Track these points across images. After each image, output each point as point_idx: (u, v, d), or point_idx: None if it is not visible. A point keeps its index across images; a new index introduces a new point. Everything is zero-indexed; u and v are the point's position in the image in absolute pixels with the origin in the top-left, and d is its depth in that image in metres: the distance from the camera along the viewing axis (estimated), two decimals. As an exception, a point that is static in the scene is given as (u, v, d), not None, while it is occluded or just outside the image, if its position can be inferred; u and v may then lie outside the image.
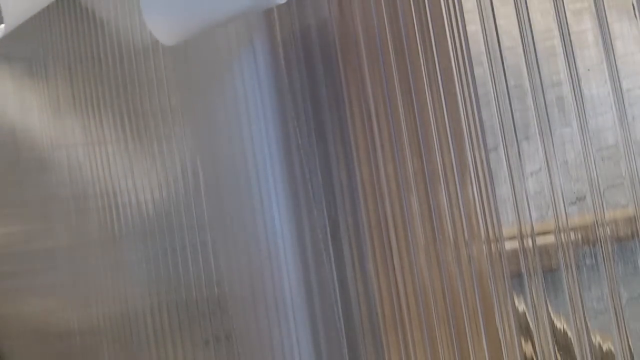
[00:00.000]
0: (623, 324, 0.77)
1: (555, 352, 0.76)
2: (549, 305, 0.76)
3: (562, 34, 0.82)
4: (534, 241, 0.77)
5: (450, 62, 0.79)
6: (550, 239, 0.78)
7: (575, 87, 0.81)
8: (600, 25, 0.83)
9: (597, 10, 0.83)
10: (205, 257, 0.99)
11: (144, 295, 1.15)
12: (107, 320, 1.26)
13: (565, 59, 0.82)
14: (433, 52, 0.79)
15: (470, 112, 0.78)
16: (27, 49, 1.41)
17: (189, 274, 1.03)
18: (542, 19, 0.81)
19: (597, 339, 0.77)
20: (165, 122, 1.04)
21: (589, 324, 0.77)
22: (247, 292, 0.94)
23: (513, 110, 0.79)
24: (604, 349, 0.77)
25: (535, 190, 0.79)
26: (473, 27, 0.79)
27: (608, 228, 0.79)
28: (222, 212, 0.96)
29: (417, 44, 0.79)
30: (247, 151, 0.89)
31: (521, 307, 0.76)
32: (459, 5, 0.79)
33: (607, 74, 0.83)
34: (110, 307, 1.25)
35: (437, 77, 0.79)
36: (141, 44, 1.06)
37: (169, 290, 1.08)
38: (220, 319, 0.98)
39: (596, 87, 0.82)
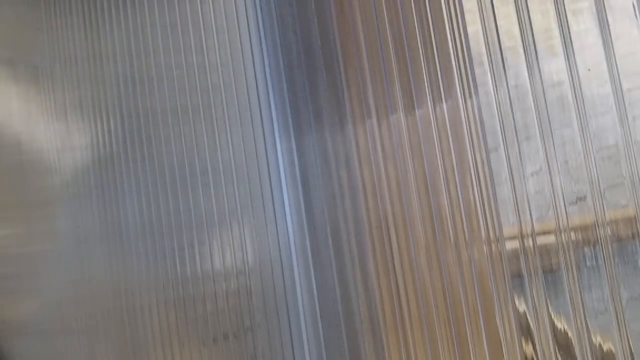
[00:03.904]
0: (623, 324, 0.77)
1: (555, 352, 0.76)
2: (549, 306, 0.76)
3: (562, 34, 0.82)
4: (534, 241, 0.77)
5: (450, 62, 0.79)
6: (550, 239, 0.78)
7: (575, 87, 0.81)
8: (601, 25, 0.83)
9: (597, 10, 0.83)
10: (213, 255, 1.00)
11: (150, 294, 1.15)
12: (110, 319, 1.26)
13: (565, 59, 0.82)
14: (434, 52, 0.79)
15: (470, 112, 0.78)
16: (31, 53, 1.41)
17: (196, 271, 1.03)
18: (543, 19, 0.81)
19: (597, 339, 0.77)
20: (170, 121, 1.04)
21: (589, 324, 0.77)
22: (256, 290, 0.94)
23: (513, 111, 0.79)
24: (605, 349, 0.76)
25: (535, 190, 0.79)
26: (474, 27, 0.79)
27: (608, 228, 0.79)
28: (228, 211, 0.96)
29: (417, 44, 0.79)
30: (250, 151, 0.89)
31: (522, 307, 0.76)
32: (459, 5, 0.79)
33: (607, 74, 0.83)
34: (113, 306, 1.25)
35: (438, 77, 0.79)
36: (150, 43, 1.06)
37: (176, 289, 1.08)
38: (228, 317, 0.99)
39: (597, 87, 0.82)
